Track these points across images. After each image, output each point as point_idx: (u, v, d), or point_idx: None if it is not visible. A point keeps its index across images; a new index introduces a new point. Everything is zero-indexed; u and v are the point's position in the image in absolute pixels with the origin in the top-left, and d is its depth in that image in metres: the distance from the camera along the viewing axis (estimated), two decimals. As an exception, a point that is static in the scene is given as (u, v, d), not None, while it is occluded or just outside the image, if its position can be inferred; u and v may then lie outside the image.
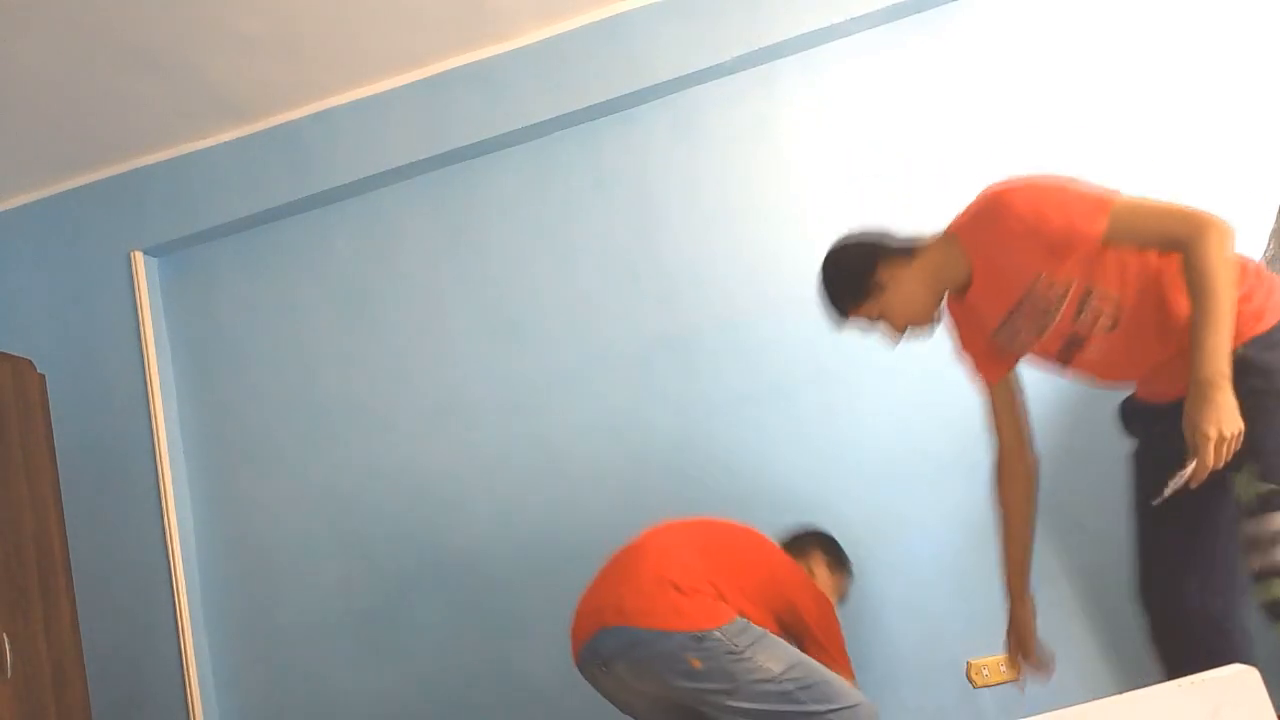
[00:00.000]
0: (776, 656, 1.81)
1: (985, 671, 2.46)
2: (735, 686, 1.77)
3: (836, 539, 2.26)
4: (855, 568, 2.34)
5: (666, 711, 1.94)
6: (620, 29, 2.82)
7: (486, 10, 2.72)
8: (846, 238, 1.94)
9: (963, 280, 1.82)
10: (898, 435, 2.59)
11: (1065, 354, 1.81)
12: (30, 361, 2.62)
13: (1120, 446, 2.30)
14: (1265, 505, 1.58)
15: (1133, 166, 2.48)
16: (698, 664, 1.77)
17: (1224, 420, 1.51)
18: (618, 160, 2.87)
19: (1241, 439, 1.52)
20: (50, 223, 3.13)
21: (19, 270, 3.12)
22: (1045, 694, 2.41)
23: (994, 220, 1.71)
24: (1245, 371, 1.58)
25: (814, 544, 2.23)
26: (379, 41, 2.76)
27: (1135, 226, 1.63)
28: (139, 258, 3.03)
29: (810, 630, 1.96)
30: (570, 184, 2.88)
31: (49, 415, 2.63)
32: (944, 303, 1.92)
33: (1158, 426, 1.81)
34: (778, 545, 2.13)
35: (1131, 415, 1.93)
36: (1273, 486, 1.57)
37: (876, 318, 1.89)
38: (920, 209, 2.65)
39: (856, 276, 1.87)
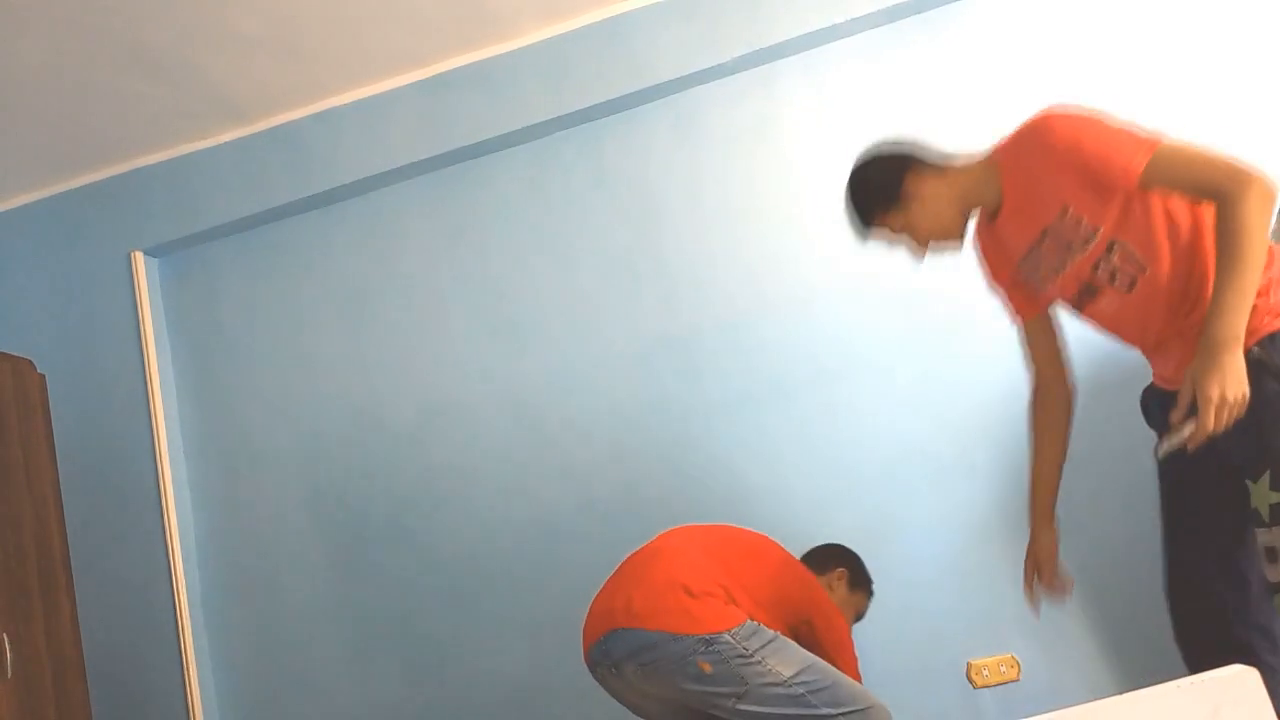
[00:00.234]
0: (787, 660, 1.80)
1: (985, 672, 2.46)
2: (745, 690, 1.77)
3: (861, 558, 2.23)
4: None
5: (676, 714, 1.93)
6: (621, 29, 2.82)
7: (487, 10, 2.72)
8: (878, 145, 1.88)
9: (993, 202, 1.78)
10: (898, 435, 2.59)
11: (1079, 299, 1.78)
12: (30, 361, 2.62)
13: (1120, 447, 2.31)
14: (1277, 517, 1.55)
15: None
16: (708, 667, 1.77)
17: (1229, 383, 1.46)
18: (618, 160, 2.87)
19: (1245, 406, 1.47)
20: (50, 223, 3.13)
21: (19, 270, 3.12)
22: (1045, 694, 2.42)
23: (1031, 142, 1.68)
24: (1260, 373, 1.54)
25: (837, 561, 2.20)
26: (379, 41, 2.76)
27: (1176, 171, 1.56)
28: (139, 258, 3.03)
29: (822, 645, 1.95)
30: (571, 184, 2.89)
31: (49, 415, 2.63)
32: (973, 229, 1.87)
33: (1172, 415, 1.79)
34: (795, 557, 2.10)
35: (1152, 405, 1.86)
36: None
37: (900, 231, 1.83)
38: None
39: (885, 184, 1.81)
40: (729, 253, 2.76)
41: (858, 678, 1.97)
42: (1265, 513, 1.57)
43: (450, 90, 2.90)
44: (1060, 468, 1.96)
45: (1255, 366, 1.53)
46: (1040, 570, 1.98)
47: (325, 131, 2.97)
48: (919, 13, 2.75)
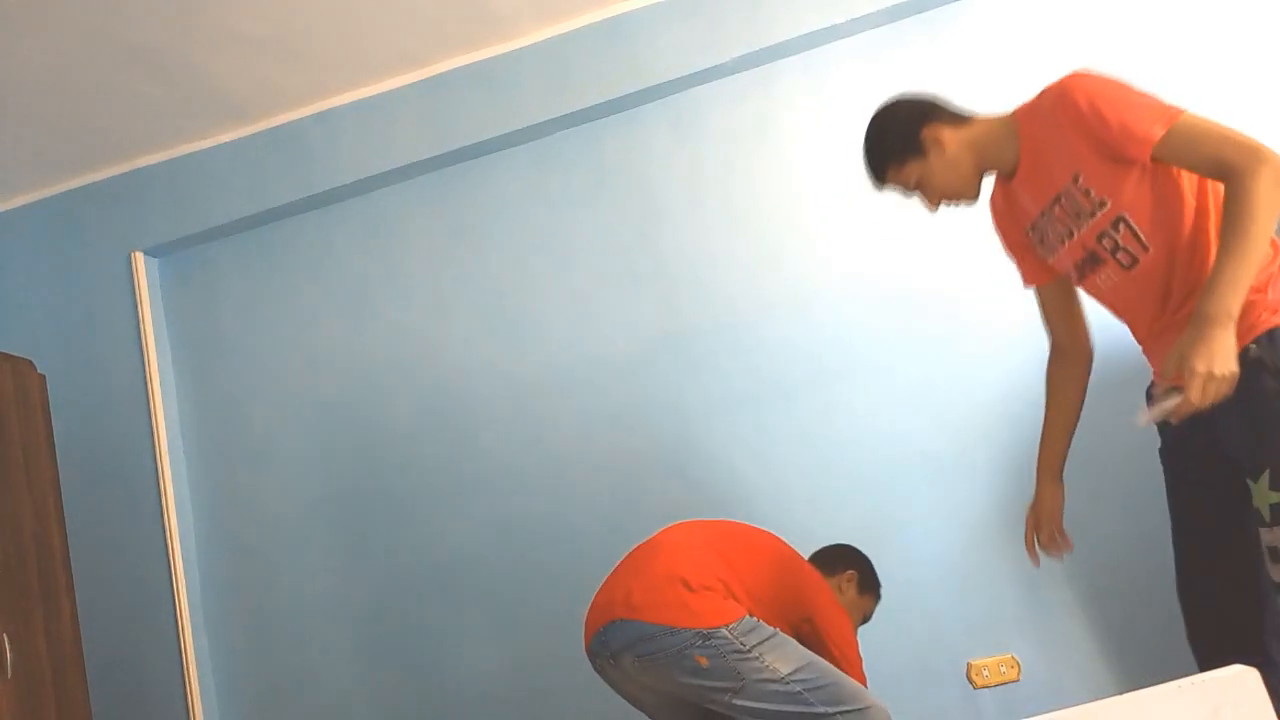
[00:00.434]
0: (785, 657, 1.80)
1: (985, 672, 2.46)
2: (741, 685, 1.76)
3: (871, 561, 2.23)
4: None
5: (674, 707, 1.94)
6: (621, 29, 2.82)
7: (487, 10, 2.72)
8: (898, 95, 1.87)
9: (1010, 162, 1.76)
10: (898, 436, 2.59)
11: (1082, 269, 1.76)
12: (30, 361, 2.62)
13: (1120, 447, 2.31)
14: (1278, 516, 1.54)
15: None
16: (704, 661, 1.76)
17: (1216, 359, 1.44)
18: (619, 160, 2.87)
19: (1232, 383, 1.45)
20: (51, 223, 3.13)
21: (20, 270, 3.12)
22: (1045, 694, 2.42)
23: (1050, 104, 1.66)
24: (1258, 371, 1.52)
25: (847, 563, 2.19)
26: (380, 41, 2.76)
27: (1192, 146, 1.53)
28: (139, 258, 3.03)
29: (825, 644, 1.94)
30: (571, 184, 2.89)
31: (49, 415, 2.63)
32: (990, 190, 1.86)
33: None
34: (801, 555, 2.09)
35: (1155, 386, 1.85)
36: None
37: (915, 184, 1.82)
38: (920, 209, 2.65)
39: (902, 134, 1.79)
40: (729, 253, 2.76)
41: (862, 678, 1.96)
42: (1266, 513, 1.56)
43: (451, 90, 2.91)
44: (1070, 428, 1.95)
45: (1254, 364, 1.52)
46: (1041, 528, 1.98)
47: (326, 131, 2.97)
48: (919, 13, 2.75)
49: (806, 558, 2.16)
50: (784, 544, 2.07)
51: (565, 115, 2.84)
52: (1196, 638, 1.80)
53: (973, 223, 2.58)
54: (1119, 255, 1.68)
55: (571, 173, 2.89)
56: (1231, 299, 1.46)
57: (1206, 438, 1.68)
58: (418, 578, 2.78)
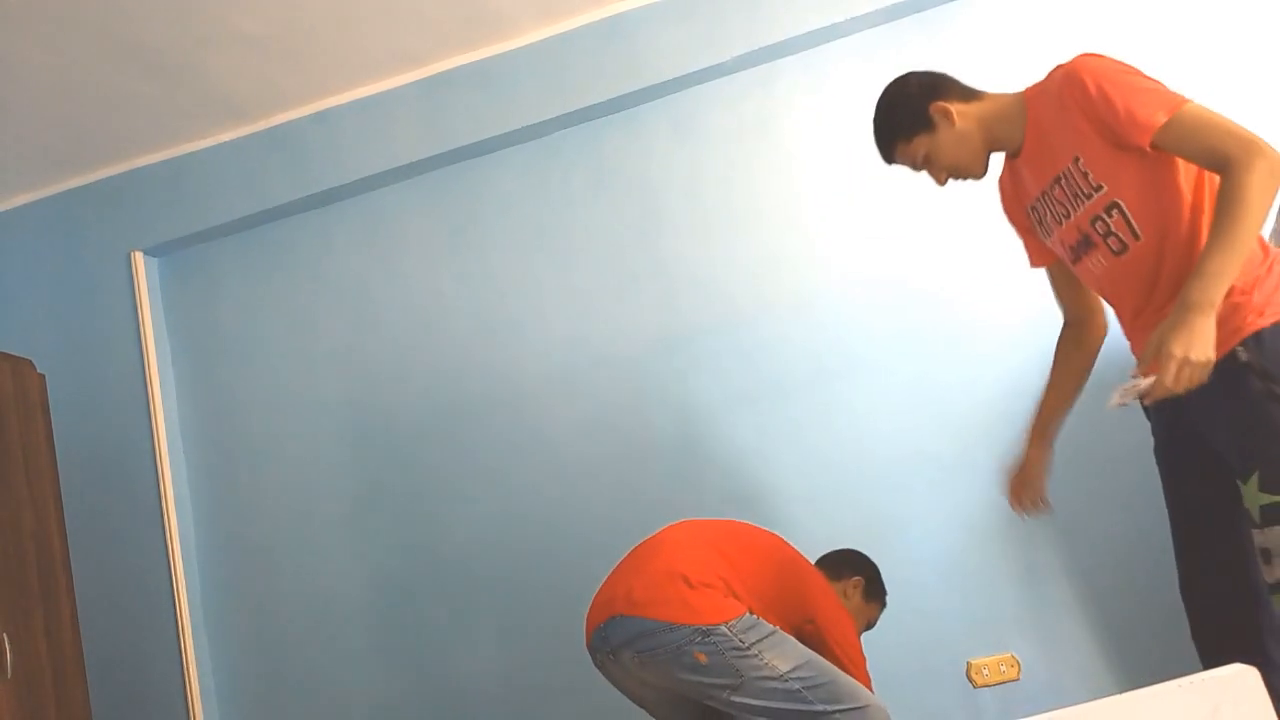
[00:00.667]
0: (785, 654, 1.80)
1: (985, 671, 2.46)
2: (740, 682, 1.77)
3: (878, 568, 2.22)
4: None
5: (674, 704, 1.94)
6: (621, 29, 2.82)
7: (487, 10, 2.72)
8: (907, 72, 1.88)
9: (1016, 140, 1.78)
10: (898, 436, 2.59)
11: (1076, 251, 1.77)
12: (30, 361, 2.62)
13: (1120, 447, 2.31)
14: (1268, 518, 1.55)
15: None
16: (703, 658, 1.77)
17: (1194, 345, 1.45)
18: (618, 160, 2.87)
19: (1207, 371, 1.46)
20: (50, 223, 3.13)
21: (19, 270, 3.12)
22: (1045, 693, 2.42)
23: (1057, 85, 1.67)
24: (1245, 373, 1.53)
25: (854, 568, 2.19)
26: (380, 41, 2.76)
27: (1192, 135, 1.53)
28: (139, 258, 3.03)
29: (829, 647, 1.94)
30: (570, 184, 2.89)
31: (49, 415, 2.63)
32: (1000, 168, 1.87)
33: (1168, 414, 1.78)
34: (804, 557, 2.09)
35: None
36: (1275, 498, 1.53)
37: (923, 158, 1.82)
38: (921, 209, 2.66)
39: (910, 108, 1.80)
40: (729, 252, 2.76)
41: (867, 680, 1.96)
42: (1257, 514, 1.57)
43: (450, 90, 2.91)
44: (1069, 396, 1.97)
45: (1240, 367, 1.53)
46: (1025, 489, 2.00)
47: (325, 131, 2.97)
48: (918, 12, 2.75)
49: (814, 560, 2.16)
50: (787, 544, 2.07)
51: (565, 115, 2.84)
52: (1199, 635, 1.80)
53: (973, 223, 2.59)
54: (1109, 240, 1.69)
55: (571, 172, 2.89)
56: (1215, 288, 1.47)
57: (1197, 439, 1.69)
58: (418, 577, 2.78)
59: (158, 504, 2.88)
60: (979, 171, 1.84)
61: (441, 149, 2.89)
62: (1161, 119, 1.54)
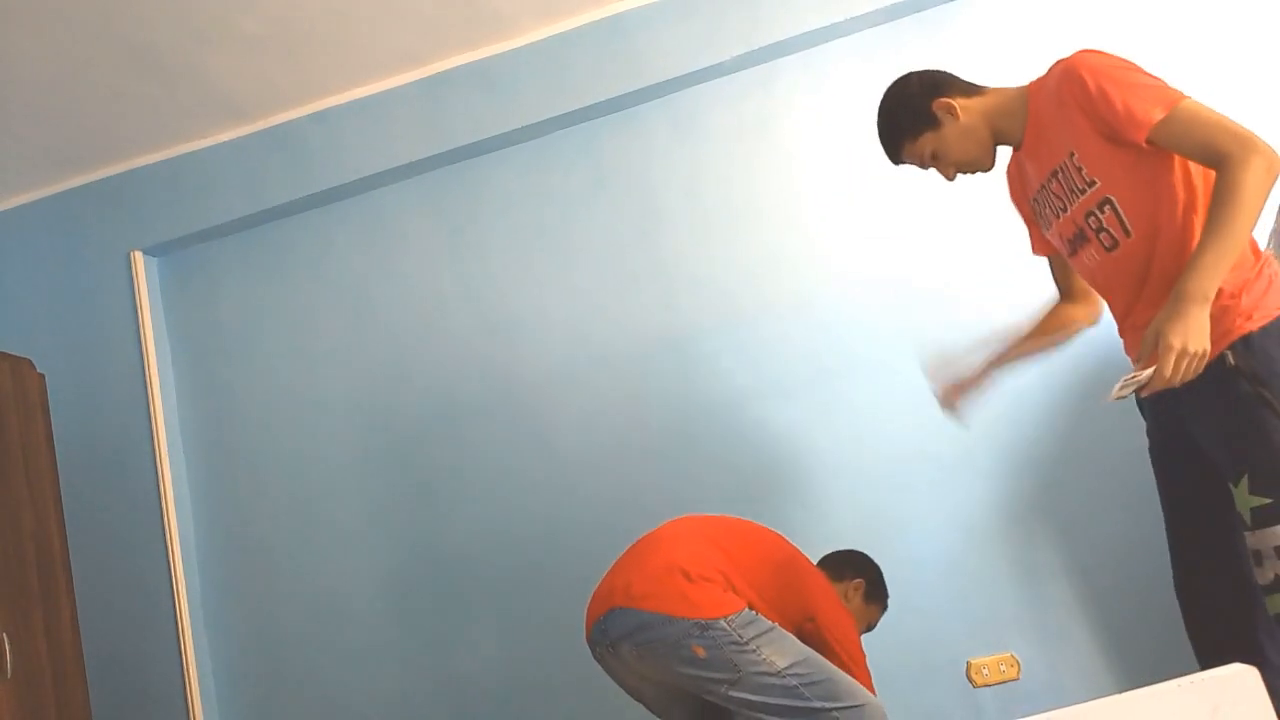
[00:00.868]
0: (783, 650, 1.80)
1: (985, 671, 2.46)
2: (738, 677, 1.77)
3: (881, 570, 2.22)
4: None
5: (673, 698, 1.94)
6: (621, 28, 2.82)
7: (487, 10, 2.73)
8: (907, 72, 1.89)
9: (1018, 133, 1.79)
10: (898, 436, 2.59)
11: (1073, 244, 1.79)
12: (30, 361, 2.62)
13: (1120, 447, 2.31)
14: (1259, 520, 1.55)
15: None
16: (701, 652, 1.77)
17: (1191, 335, 1.46)
18: (618, 160, 2.87)
19: (1204, 362, 1.48)
20: (50, 222, 3.13)
21: (19, 270, 3.12)
22: (1045, 693, 2.42)
23: (1056, 80, 1.69)
24: (1234, 376, 1.55)
25: (856, 570, 2.19)
26: (379, 41, 2.76)
27: (1188, 130, 1.54)
28: (139, 257, 3.03)
29: (828, 644, 1.94)
30: (570, 184, 2.89)
31: (49, 415, 2.63)
32: (1006, 158, 1.89)
33: (1163, 416, 1.79)
34: (805, 555, 2.09)
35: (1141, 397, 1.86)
36: (1265, 500, 1.54)
37: (930, 155, 1.84)
38: (921, 209, 2.66)
39: (914, 107, 1.82)
40: (729, 252, 2.76)
41: (868, 678, 1.96)
42: (1248, 517, 1.58)
43: (450, 90, 2.91)
44: (1038, 344, 2.01)
45: (1229, 371, 1.54)
46: (957, 394, 2.03)
47: (325, 131, 2.97)
48: (917, 11, 2.76)
49: (817, 560, 2.16)
50: (787, 542, 2.07)
51: (565, 114, 2.84)
52: (1195, 635, 1.81)
53: (973, 222, 2.59)
54: (1101, 236, 1.71)
55: (571, 172, 2.89)
56: (1209, 280, 1.48)
57: (1190, 440, 1.69)
58: (418, 577, 2.78)
59: (157, 504, 2.88)
60: (987, 164, 1.85)
61: (442, 148, 2.89)
62: (1158, 115, 1.55)
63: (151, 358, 2.96)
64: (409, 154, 2.90)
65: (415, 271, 2.94)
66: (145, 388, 2.95)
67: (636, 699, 1.99)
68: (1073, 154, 1.68)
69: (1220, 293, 1.52)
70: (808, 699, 1.77)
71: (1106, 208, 1.67)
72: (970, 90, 1.83)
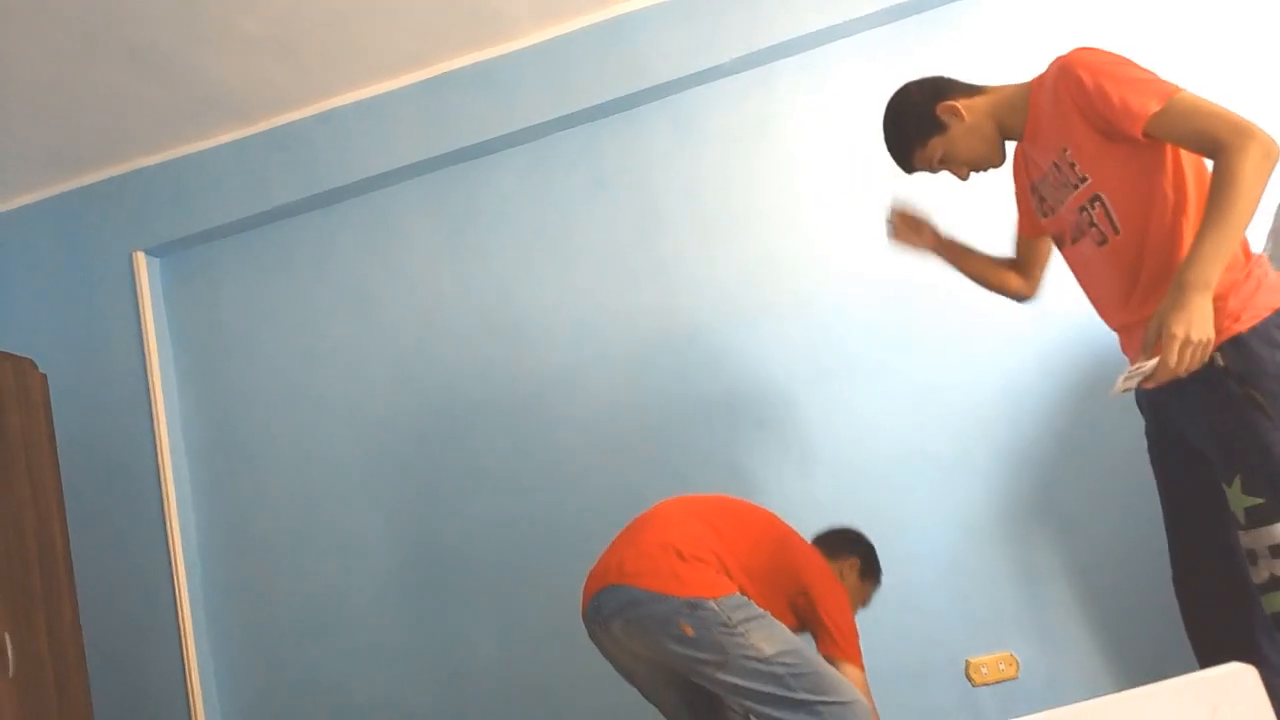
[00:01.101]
0: (771, 638, 1.80)
1: (984, 670, 2.46)
2: (725, 659, 1.77)
3: (874, 548, 2.23)
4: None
5: (665, 680, 1.95)
6: (621, 29, 2.82)
7: (488, 10, 2.73)
8: (906, 83, 1.92)
9: (1019, 129, 1.81)
10: (898, 436, 2.60)
11: (1073, 235, 1.80)
12: (32, 361, 2.62)
13: (1120, 447, 2.31)
14: (1252, 519, 1.56)
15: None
16: (689, 631, 1.78)
17: (1194, 324, 1.47)
18: (619, 161, 2.87)
19: (1208, 350, 1.49)
20: (52, 223, 3.13)
21: (21, 270, 3.12)
22: (1044, 692, 2.42)
23: (1053, 77, 1.70)
24: (1223, 377, 1.56)
25: (850, 549, 2.20)
26: (380, 42, 2.76)
27: (1184, 120, 1.55)
28: (140, 258, 3.04)
29: (820, 618, 1.95)
30: (571, 184, 2.89)
31: (50, 415, 2.63)
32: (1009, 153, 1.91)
33: (1160, 415, 1.80)
34: (797, 532, 2.11)
35: (1140, 395, 1.87)
36: (1258, 500, 1.55)
37: (940, 159, 1.86)
38: (920, 209, 2.66)
39: (918, 114, 1.84)
40: (729, 252, 2.76)
41: (857, 651, 1.96)
42: (1241, 516, 1.59)
43: (451, 90, 2.91)
44: (966, 266, 2.10)
45: (1219, 372, 1.55)
46: (914, 233, 2.09)
47: (326, 131, 2.97)
48: (918, 13, 2.76)
49: (811, 539, 2.18)
50: (779, 520, 2.09)
51: (566, 115, 2.84)
52: (1194, 633, 1.81)
53: (973, 223, 2.59)
54: (1092, 231, 1.73)
55: (572, 173, 2.89)
56: (1210, 269, 1.48)
57: (1187, 441, 1.70)
58: (419, 576, 2.79)
59: (159, 503, 2.88)
60: (997, 160, 1.87)
61: (443, 149, 2.89)
62: (1154, 107, 1.56)
63: (153, 358, 2.97)
64: (411, 155, 2.90)
65: (417, 272, 2.94)
66: (147, 388, 2.95)
67: (630, 681, 2.00)
68: (1065, 150, 1.70)
69: None
70: (793, 689, 1.77)
71: (1096, 204, 1.70)
72: (972, 91, 1.85)
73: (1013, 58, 2.68)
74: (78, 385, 2.98)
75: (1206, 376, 1.56)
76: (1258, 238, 2.33)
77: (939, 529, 2.54)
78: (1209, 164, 1.57)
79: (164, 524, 2.86)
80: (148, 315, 2.99)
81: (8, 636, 2.28)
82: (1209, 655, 1.77)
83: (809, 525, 2.46)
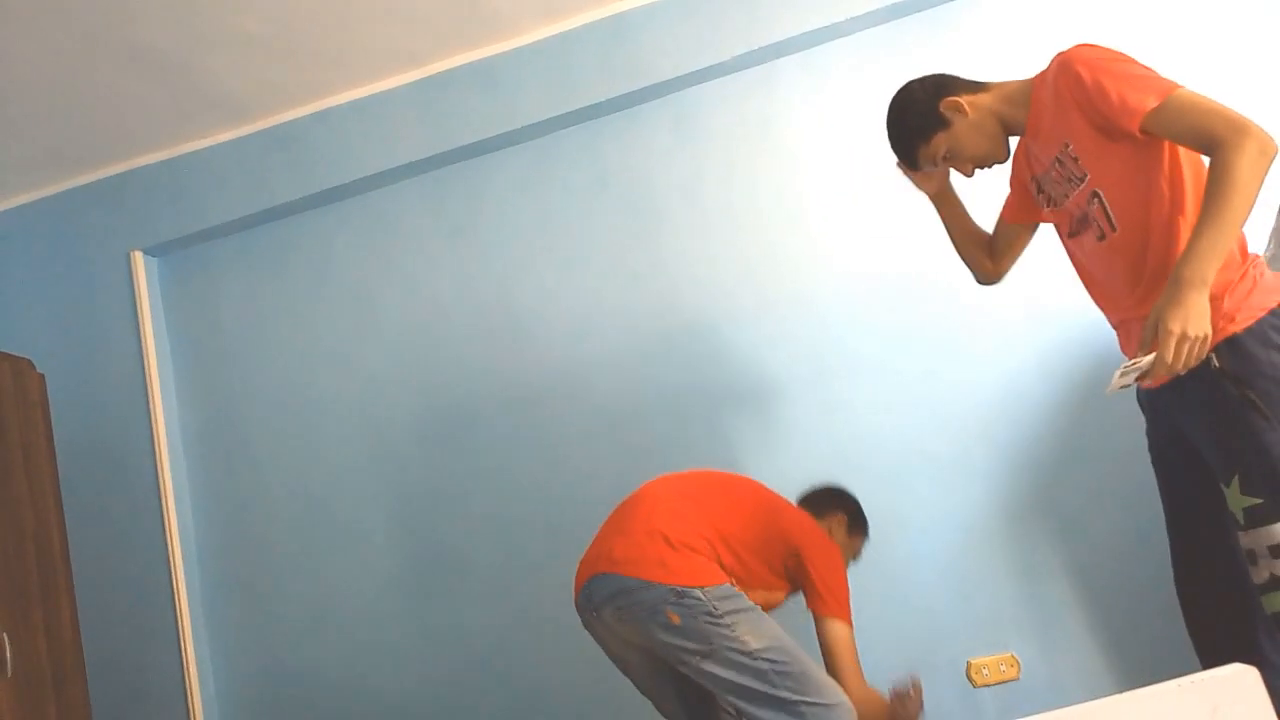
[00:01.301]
0: (757, 632, 1.80)
1: (985, 671, 2.46)
2: (710, 649, 1.77)
3: (859, 502, 2.24)
4: (856, 566, 2.33)
5: (656, 669, 1.94)
6: (621, 28, 2.82)
7: (487, 10, 2.73)
8: (908, 81, 1.92)
9: (1022, 124, 1.82)
10: (898, 435, 2.59)
11: (1076, 229, 1.81)
12: (30, 361, 2.62)
13: (1120, 447, 2.31)
14: (1251, 520, 1.56)
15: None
16: (676, 619, 1.78)
17: (1191, 320, 1.47)
18: (619, 159, 2.87)
19: (1205, 346, 1.48)
20: (50, 222, 3.13)
21: (19, 270, 3.12)
22: (1045, 693, 2.42)
23: (1053, 73, 1.70)
24: (1219, 378, 1.55)
25: (838, 506, 2.21)
26: (379, 41, 2.76)
27: (1181, 117, 1.54)
28: (139, 257, 3.03)
29: (810, 576, 1.95)
30: (571, 183, 2.89)
31: (49, 415, 2.63)
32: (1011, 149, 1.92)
33: (1160, 415, 1.79)
34: (784, 498, 2.11)
35: (1140, 394, 1.87)
36: (1256, 500, 1.55)
37: (945, 155, 1.86)
38: (922, 209, 2.65)
39: (921, 112, 1.85)
40: (729, 251, 2.76)
41: (847, 610, 1.95)
42: (1240, 517, 1.58)
43: (451, 89, 2.91)
44: (967, 229, 2.09)
45: (1215, 373, 1.55)
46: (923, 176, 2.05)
47: (325, 131, 2.97)
48: (918, 12, 2.76)
49: (796, 499, 2.19)
50: (764, 488, 2.09)
51: (566, 114, 2.84)
52: (1195, 633, 1.81)
53: (973, 220, 2.58)
54: (1092, 228, 1.74)
55: (572, 172, 2.89)
56: (1207, 265, 1.48)
57: (1187, 441, 1.70)
58: (418, 576, 2.78)
59: (158, 503, 2.88)
60: (1001, 155, 1.88)
61: (442, 148, 2.89)
62: (1152, 103, 1.56)
63: (151, 357, 2.97)
64: (410, 154, 2.90)
65: (416, 271, 2.94)
66: (145, 387, 2.95)
67: (624, 671, 2.00)
68: (1067, 145, 1.71)
69: None
70: (776, 686, 1.76)
71: (1095, 200, 1.70)
72: (974, 87, 1.85)
73: (1012, 57, 2.67)
74: (76, 385, 2.98)
75: (1203, 377, 1.56)
76: (1258, 237, 2.33)
77: (939, 528, 2.54)
78: (1207, 162, 1.57)
79: (162, 524, 2.86)
80: (146, 315, 2.99)
81: (6, 636, 2.28)
82: (1210, 655, 1.77)
83: (835, 485, 2.46)
